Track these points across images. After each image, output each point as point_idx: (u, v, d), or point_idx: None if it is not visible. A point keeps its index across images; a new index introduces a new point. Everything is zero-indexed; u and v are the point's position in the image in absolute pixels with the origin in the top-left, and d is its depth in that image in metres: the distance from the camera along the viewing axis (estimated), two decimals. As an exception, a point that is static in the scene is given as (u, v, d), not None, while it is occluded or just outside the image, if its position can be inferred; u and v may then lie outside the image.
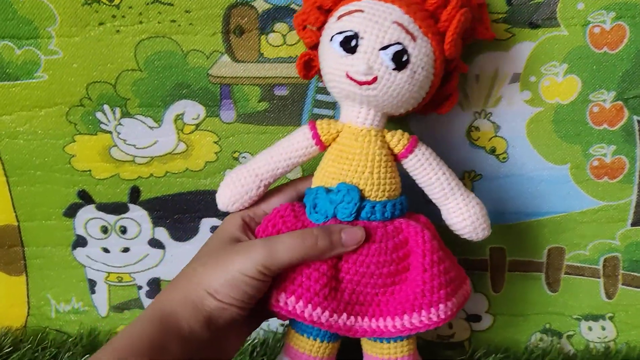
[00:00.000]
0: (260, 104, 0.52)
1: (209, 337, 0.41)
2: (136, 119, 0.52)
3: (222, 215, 0.48)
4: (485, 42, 0.50)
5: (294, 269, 0.43)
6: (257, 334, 0.59)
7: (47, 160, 0.54)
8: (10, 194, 0.56)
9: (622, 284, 0.58)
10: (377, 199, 0.45)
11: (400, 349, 0.48)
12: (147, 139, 0.53)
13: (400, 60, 0.41)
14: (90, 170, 0.54)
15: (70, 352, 0.55)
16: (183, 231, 0.57)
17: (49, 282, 0.59)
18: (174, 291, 0.41)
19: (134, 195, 0.55)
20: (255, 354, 0.57)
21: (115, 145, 0.53)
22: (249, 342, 0.57)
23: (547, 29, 0.50)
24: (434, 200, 0.47)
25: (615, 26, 0.50)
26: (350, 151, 0.45)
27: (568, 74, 0.51)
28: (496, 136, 0.53)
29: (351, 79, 0.42)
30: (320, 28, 0.45)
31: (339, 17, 0.43)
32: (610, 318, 0.59)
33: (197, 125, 0.52)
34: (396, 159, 0.46)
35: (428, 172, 0.46)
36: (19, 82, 0.50)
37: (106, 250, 0.58)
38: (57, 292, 0.60)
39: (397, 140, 0.45)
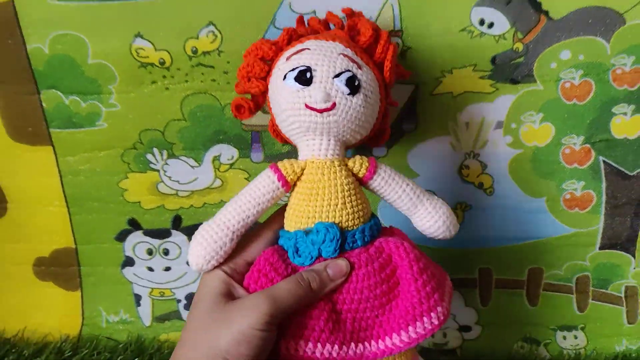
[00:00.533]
0: (284, 146, 0.61)
1: None
2: (180, 159, 0.61)
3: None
4: (474, 95, 0.59)
5: (294, 314, 0.43)
6: None
7: (103, 193, 0.63)
8: (71, 222, 0.65)
9: (592, 299, 0.66)
10: (355, 227, 0.46)
11: (404, 356, 0.48)
12: (189, 176, 0.62)
13: (353, 85, 0.44)
14: (139, 202, 0.63)
15: (122, 356, 0.64)
16: (216, 253, 0.66)
17: (100, 296, 0.68)
18: None
19: (176, 222, 0.64)
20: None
21: (162, 181, 0.62)
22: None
23: (525, 84, 0.58)
24: (403, 212, 0.50)
25: (583, 82, 0.58)
26: (320, 186, 0.45)
27: (543, 121, 0.60)
28: (483, 173, 0.62)
29: (311, 108, 0.44)
30: (264, 78, 0.47)
31: (288, 58, 0.45)
32: (582, 328, 0.67)
33: (231, 165, 0.62)
34: (361, 182, 0.48)
35: (393, 187, 0.48)
36: (82, 129, 0.60)
37: (150, 269, 0.67)
38: (108, 305, 0.69)
39: (360, 165, 0.47)
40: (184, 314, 0.68)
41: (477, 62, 0.57)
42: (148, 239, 0.65)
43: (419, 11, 0.55)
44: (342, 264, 0.43)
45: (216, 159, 0.61)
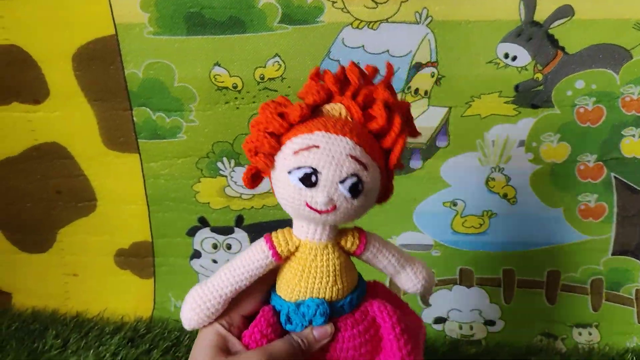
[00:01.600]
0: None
1: None
2: (245, 167, 0.72)
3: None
4: (499, 117, 0.67)
5: None
6: None
7: (178, 195, 0.73)
8: (149, 219, 0.76)
9: (605, 300, 0.73)
10: (343, 298, 0.47)
11: None
12: None
13: (356, 189, 0.42)
14: (209, 203, 0.74)
15: (188, 335, 0.74)
16: (271, 249, 0.76)
17: (171, 284, 0.79)
18: None
19: (239, 221, 0.75)
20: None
21: (229, 186, 0.73)
22: None
23: (544, 109, 0.66)
24: (388, 275, 0.51)
25: (595, 107, 0.66)
26: (313, 266, 0.46)
27: (561, 141, 0.68)
28: (507, 185, 0.70)
29: (311, 208, 0.43)
30: (271, 154, 0.43)
31: (296, 152, 0.42)
32: (596, 326, 0.74)
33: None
34: (352, 255, 0.48)
35: (380, 259, 0.49)
36: (165, 140, 0.71)
37: (215, 262, 0.77)
38: (177, 292, 0.79)
39: (351, 243, 0.47)
40: (242, 302, 0.78)
41: (502, 89, 0.66)
42: (214, 235, 0.76)
43: (452, 45, 0.65)
44: (327, 327, 0.46)
45: (275, 167, 0.72)
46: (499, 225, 0.72)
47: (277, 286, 0.48)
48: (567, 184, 0.69)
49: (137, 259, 0.78)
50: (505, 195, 0.71)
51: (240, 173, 0.72)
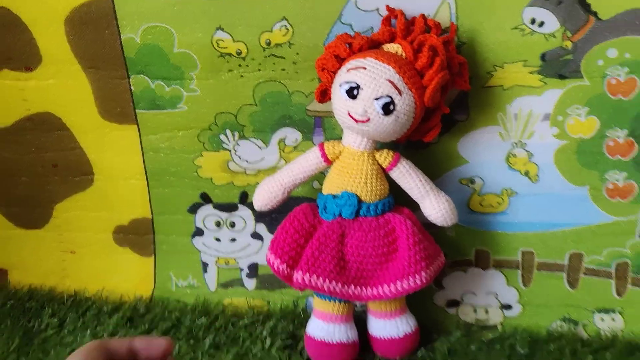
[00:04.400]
0: (342, 132, 0.67)
1: None
2: (250, 140, 0.68)
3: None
4: (523, 88, 0.63)
5: (310, 252, 0.59)
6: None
7: (179, 169, 0.70)
8: (149, 194, 0.72)
9: (631, 285, 0.70)
10: (371, 201, 0.60)
11: (393, 305, 0.64)
12: (256, 156, 0.69)
13: (388, 108, 0.55)
14: (211, 178, 0.71)
15: (190, 316, 0.72)
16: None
17: (171, 263, 0.76)
18: None
19: (243, 198, 0.71)
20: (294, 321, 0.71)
21: (232, 160, 0.69)
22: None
23: (572, 80, 0.63)
24: (414, 199, 0.63)
25: (628, 79, 0.62)
26: (350, 167, 0.60)
27: (589, 115, 0.64)
28: (529, 162, 0.66)
29: (351, 116, 0.56)
30: (334, 72, 0.58)
31: (348, 70, 0.56)
32: (620, 312, 0.71)
33: (295, 147, 0.68)
34: (384, 171, 0.61)
35: (407, 180, 0.61)
36: (165, 111, 0.67)
37: (218, 240, 0.74)
38: (178, 271, 0.76)
39: (384, 158, 0.61)
40: (246, 281, 0.75)
41: (527, 57, 0.62)
42: (217, 212, 0.72)
43: (474, 10, 0.61)
44: (162, 340, 0.41)
45: (281, 141, 0.68)
46: (519, 205, 0.68)
47: (323, 188, 0.63)
48: (594, 161, 0.66)
49: (137, 236, 0.75)
50: (526, 173, 0.67)
51: (245, 147, 0.68)
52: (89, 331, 0.69)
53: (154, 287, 0.77)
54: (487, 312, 0.73)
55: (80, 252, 0.77)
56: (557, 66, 0.62)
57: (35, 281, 0.79)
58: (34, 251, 0.78)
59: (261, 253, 0.74)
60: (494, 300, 0.72)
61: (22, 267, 0.79)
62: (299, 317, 0.72)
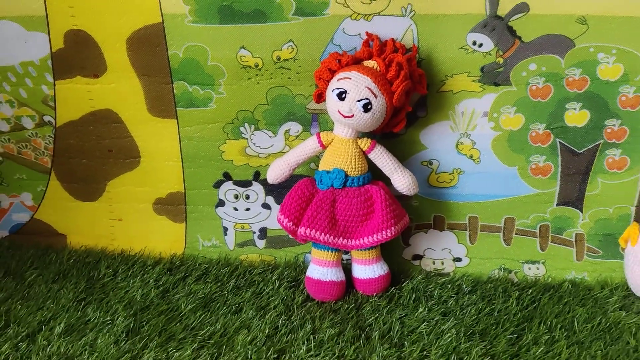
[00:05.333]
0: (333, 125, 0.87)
1: None
2: (262, 131, 0.87)
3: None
4: (467, 92, 0.82)
5: (310, 213, 0.78)
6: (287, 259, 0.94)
7: (208, 153, 0.89)
8: (183, 173, 0.92)
9: (551, 242, 0.89)
10: (354, 175, 0.79)
11: (371, 254, 0.83)
12: (267, 143, 0.88)
13: (367, 108, 0.74)
14: (232, 160, 0.90)
15: (215, 267, 0.91)
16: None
17: (199, 228, 0.94)
18: None
19: (256, 176, 0.90)
20: (296, 269, 0.90)
21: (249, 147, 0.88)
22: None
23: (504, 87, 0.81)
24: (386, 174, 0.82)
25: (545, 86, 0.81)
26: (339, 150, 0.79)
27: (517, 112, 0.82)
28: (473, 148, 0.85)
29: (340, 113, 0.75)
30: (328, 80, 0.77)
31: (338, 79, 0.75)
32: (543, 263, 0.90)
33: (297, 136, 0.87)
34: (364, 153, 0.80)
35: (381, 160, 0.81)
36: (199, 108, 0.87)
37: (235, 209, 0.93)
38: (204, 234, 0.95)
39: (364, 144, 0.80)
40: (258, 242, 0.95)
41: (470, 70, 0.81)
42: (236, 187, 0.92)
43: (431, 35, 0.80)
44: None
45: (287, 132, 0.88)
46: (466, 181, 0.87)
47: (319, 166, 0.82)
48: (521, 148, 0.84)
49: (172, 206, 0.94)
50: (471, 156, 0.86)
51: (259, 137, 0.88)
52: (138, 277, 0.89)
53: (185, 246, 0.96)
54: (442, 263, 0.92)
55: (126, 220, 0.96)
56: (493, 76, 0.82)
57: (89, 243, 0.97)
58: (89, 219, 0.96)
59: (270, 219, 0.93)
60: (448, 254, 0.92)
61: (78, 233, 0.97)
62: (300, 267, 0.91)
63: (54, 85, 0.87)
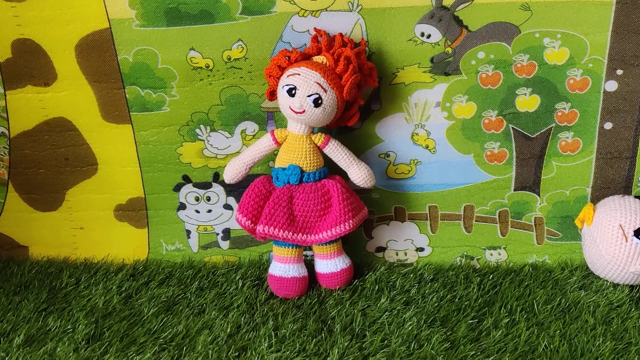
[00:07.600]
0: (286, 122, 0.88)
1: None
2: (218, 132, 0.88)
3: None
4: (419, 84, 0.84)
5: (267, 210, 0.79)
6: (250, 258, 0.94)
7: (165, 157, 0.89)
8: (142, 178, 0.92)
9: (511, 227, 0.91)
10: (310, 170, 0.80)
11: (331, 248, 0.84)
12: (224, 144, 0.88)
13: (317, 102, 0.75)
14: (190, 163, 0.90)
15: (178, 270, 0.91)
16: (243, 199, 0.93)
17: (161, 232, 0.95)
18: None
19: (216, 177, 0.91)
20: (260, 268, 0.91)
21: (206, 148, 0.89)
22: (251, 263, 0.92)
23: (454, 76, 0.83)
24: (343, 168, 0.82)
25: (494, 73, 0.83)
26: (294, 147, 0.79)
27: (469, 101, 0.84)
28: (428, 138, 0.87)
29: (291, 109, 0.76)
30: (278, 78, 0.77)
31: (288, 75, 0.75)
32: (504, 248, 0.92)
33: (254, 135, 0.88)
34: (319, 148, 0.81)
35: (336, 154, 0.81)
36: (152, 112, 0.87)
37: (197, 212, 0.93)
38: (167, 238, 0.95)
39: (318, 139, 0.80)
40: (221, 243, 0.95)
41: (420, 61, 0.83)
42: (196, 189, 0.92)
43: (379, 28, 0.81)
44: None
45: (243, 131, 0.88)
46: (424, 171, 0.88)
47: (275, 163, 0.82)
48: (475, 135, 0.86)
49: (133, 212, 0.94)
50: (427, 147, 0.88)
51: (215, 138, 0.89)
52: (100, 285, 0.88)
53: (148, 252, 0.96)
54: (405, 254, 0.94)
55: (88, 228, 0.95)
56: (442, 66, 0.83)
57: (51, 253, 0.97)
58: (50, 229, 0.96)
59: (232, 220, 0.94)
60: (410, 245, 0.93)
61: (40, 243, 0.97)
62: (264, 265, 0.92)
63: (5, 95, 0.87)
